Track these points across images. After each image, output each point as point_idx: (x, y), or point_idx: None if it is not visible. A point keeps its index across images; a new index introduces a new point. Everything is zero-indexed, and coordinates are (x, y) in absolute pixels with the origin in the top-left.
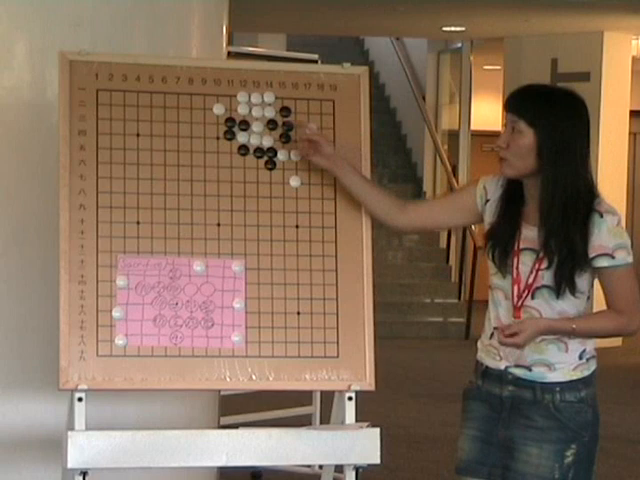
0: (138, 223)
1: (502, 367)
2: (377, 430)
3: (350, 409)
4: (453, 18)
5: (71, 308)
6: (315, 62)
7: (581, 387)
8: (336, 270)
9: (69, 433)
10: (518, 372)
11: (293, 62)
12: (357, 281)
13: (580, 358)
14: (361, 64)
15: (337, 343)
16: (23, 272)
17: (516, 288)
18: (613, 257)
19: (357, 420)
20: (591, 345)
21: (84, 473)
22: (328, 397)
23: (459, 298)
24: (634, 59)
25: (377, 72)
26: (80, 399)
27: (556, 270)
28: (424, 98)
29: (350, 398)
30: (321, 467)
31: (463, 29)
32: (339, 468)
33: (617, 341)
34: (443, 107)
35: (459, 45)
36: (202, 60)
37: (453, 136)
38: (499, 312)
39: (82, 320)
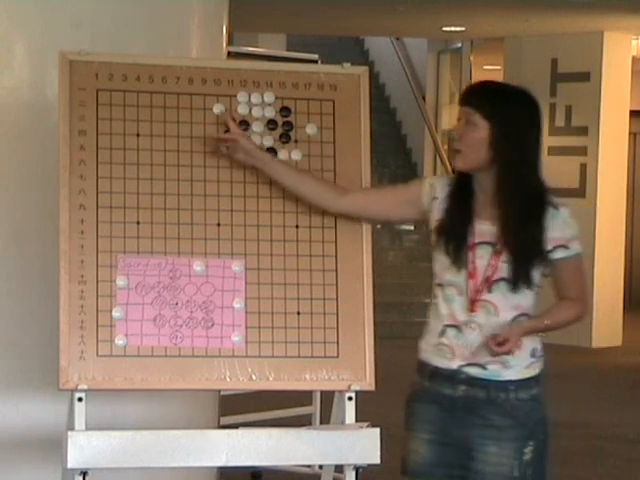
0: (138, 223)
1: (454, 366)
2: (377, 430)
3: (350, 409)
4: (453, 18)
5: (71, 308)
6: (315, 62)
7: (533, 385)
8: (336, 270)
9: (69, 433)
10: (472, 371)
11: (293, 62)
12: (357, 281)
13: (532, 356)
14: (361, 64)
15: (337, 343)
16: (23, 272)
17: (472, 282)
18: (568, 248)
19: (357, 420)
20: (539, 344)
21: (84, 473)
22: (328, 397)
23: None
24: (634, 59)
25: (377, 72)
26: (80, 399)
27: (516, 263)
28: (424, 98)
29: (350, 398)
30: (321, 467)
31: (463, 29)
32: (339, 468)
33: (617, 341)
34: (443, 107)
35: (459, 45)
36: (202, 60)
37: None
38: (453, 308)
39: (82, 320)
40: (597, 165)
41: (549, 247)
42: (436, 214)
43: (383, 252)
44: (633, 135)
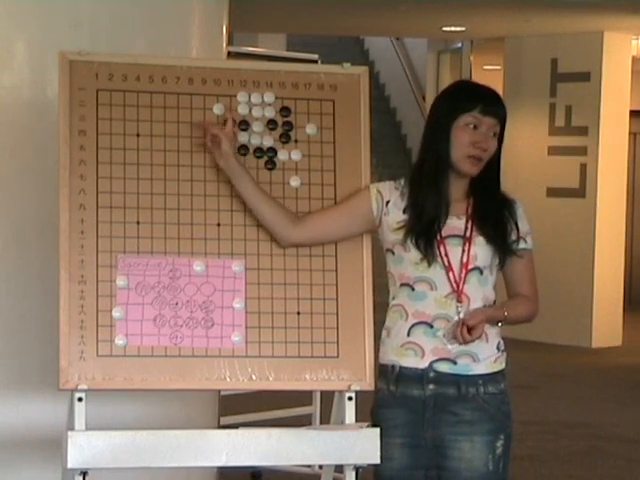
0: (138, 223)
1: (425, 364)
2: (377, 430)
3: (350, 409)
4: (453, 18)
5: (71, 308)
6: (315, 62)
7: (500, 379)
8: (336, 270)
9: (69, 433)
10: (443, 367)
11: (293, 62)
12: (357, 281)
13: (498, 350)
14: (361, 64)
15: (337, 343)
16: (23, 272)
17: (452, 275)
18: (526, 241)
19: (357, 420)
20: (501, 338)
21: (84, 473)
22: (328, 397)
23: None
24: (634, 59)
25: (377, 72)
26: (80, 399)
27: (492, 248)
28: (424, 98)
29: (350, 398)
30: (321, 467)
31: (463, 29)
32: (339, 468)
33: (617, 341)
34: None
35: (459, 45)
36: (202, 60)
37: None
38: (422, 305)
39: (82, 320)
40: (597, 165)
41: (514, 237)
42: (395, 216)
43: (383, 252)
44: (633, 135)
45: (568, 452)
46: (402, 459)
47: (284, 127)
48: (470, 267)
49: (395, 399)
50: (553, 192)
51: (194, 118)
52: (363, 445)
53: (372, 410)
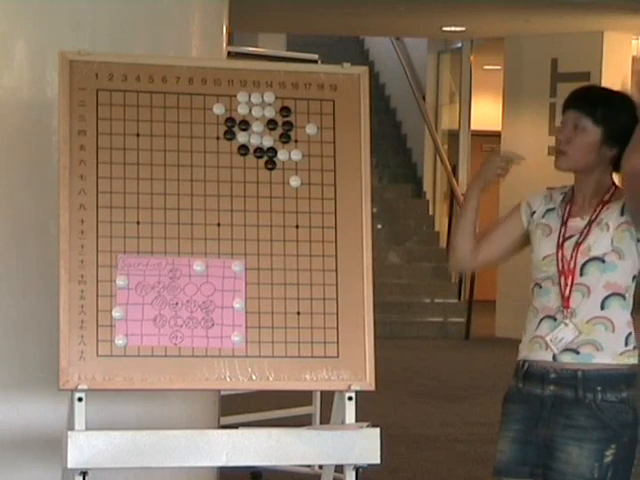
0: (138, 223)
1: (550, 357)
2: (377, 430)
3: (350, 409)
4: (453, 18)
5: (71, 308)
6: (315, 62)
7: (623, 387)
8: (336, 270)
9: (69, 433)
10: (566, 358)
11: (293, 62)
12: (357, 281)
13: (626, 344)
14: (361, 64)
15: (337, 343)
16: (23, 272)
17: (563, 278)
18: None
19: (357, 420)
20: (633, 332)
21: (84, 473)
22: (328, 397)
23: (459, 298)
24: (634, 59)
25: (377, 72)
26: (80, 399)
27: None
28: (424, 98)
29: (350, 398)
30: (321, 467)
31: (463, 29)
32: (339, 468)
33: None
34: (443, 107)
35: (459, 45)
36: (202, 60)
37: (453, 136)
38: (548, 300)
39: (82, 320)
40: None
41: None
42: (536, 224)
43: (383, 252)
44: None
45: None
46: (511, 453)
47: (284, 127)
48: (583, 260)
49: (520, 395)
50: None
51: (194, 118)
52: (363, 445)
53: (502, 403)
